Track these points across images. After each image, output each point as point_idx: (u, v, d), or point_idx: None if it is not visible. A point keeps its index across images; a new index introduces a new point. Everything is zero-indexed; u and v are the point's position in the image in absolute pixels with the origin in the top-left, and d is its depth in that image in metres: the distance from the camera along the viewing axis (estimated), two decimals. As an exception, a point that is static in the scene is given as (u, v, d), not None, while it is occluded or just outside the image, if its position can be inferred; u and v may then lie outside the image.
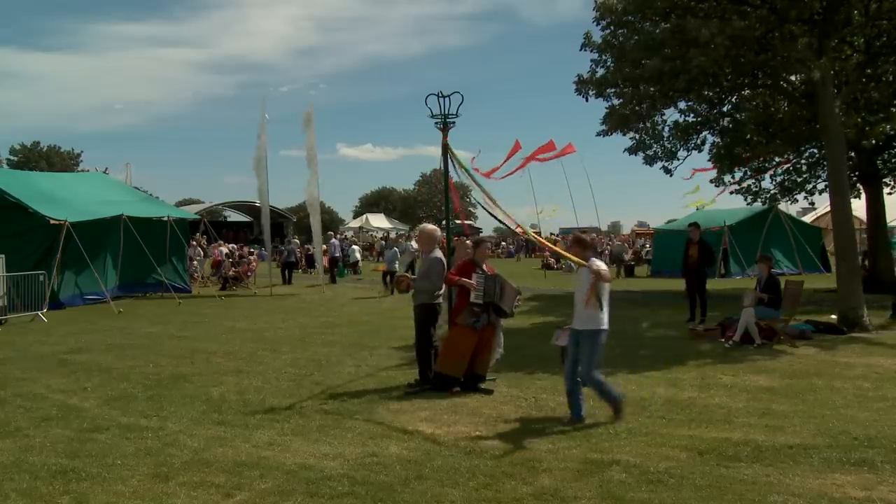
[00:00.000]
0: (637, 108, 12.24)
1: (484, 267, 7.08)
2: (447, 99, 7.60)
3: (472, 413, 6.22)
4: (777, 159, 16.38)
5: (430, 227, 7.69)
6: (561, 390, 7.01)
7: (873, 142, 15.33)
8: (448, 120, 7.63)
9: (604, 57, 12.92)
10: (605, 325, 5.85)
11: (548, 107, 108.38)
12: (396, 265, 19.84)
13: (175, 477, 4.63)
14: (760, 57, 10.86)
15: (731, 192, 17.33)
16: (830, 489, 4.29)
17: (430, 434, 5.57)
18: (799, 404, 6.34)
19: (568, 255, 6.15)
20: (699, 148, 14.40)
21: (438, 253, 7.36)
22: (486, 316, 6.89)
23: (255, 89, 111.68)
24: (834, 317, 11.05)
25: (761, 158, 15.74)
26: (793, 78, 10.08)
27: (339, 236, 27.91)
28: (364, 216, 39.50)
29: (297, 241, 27.79)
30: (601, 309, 5.79)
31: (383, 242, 27.34)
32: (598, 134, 13.57)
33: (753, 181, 17.09)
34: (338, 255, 24.61)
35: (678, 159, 14.03)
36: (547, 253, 27.69)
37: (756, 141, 14.44)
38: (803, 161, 16.73)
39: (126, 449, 5.24)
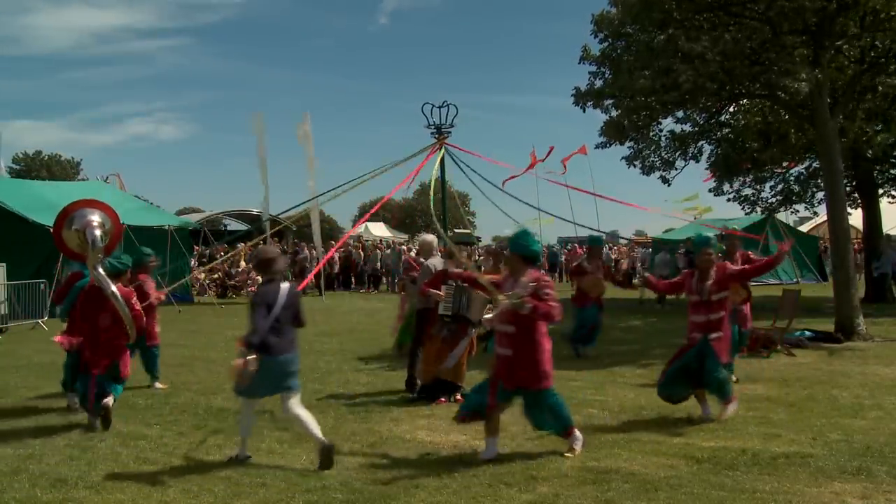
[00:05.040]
0: (634, 118, 12.30)
1: None
2: (444, 108, 7.70)
3: (470, 421, 6.23)
4: (780, 168, 16.44)
5: (430, 236, 7.90)
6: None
7: (870, 152, 15.41)
8: (444, 129, 7.73)
9: (601, 69, 12.99)
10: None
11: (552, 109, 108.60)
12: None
13: (174, 485, 4.65)
14: (755, 68, 10.94)
15: (729, 200, 17.39)
16: (829, 497, 4.31)
17: (429, 442, 5.58)
18: (796, 412, 6.36)
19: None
20: (696, 158, 14.45)
21: (433, 261, 7.42)
22: (453, 326, 6.91)
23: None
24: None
25: (760, 169, 15.80)
26: (793, 87, 10.11)
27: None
28: (364, 224, 39.46)
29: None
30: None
31: (388, 250, 26.33)
32: (598, 146, 13.63)
33: (753, 190, 17.16)
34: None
35: (675, 169, 14.11)
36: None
37: (754, 150, 14.52)
38: (806, 168, 16.78)
39: (125, 457, 5.26)
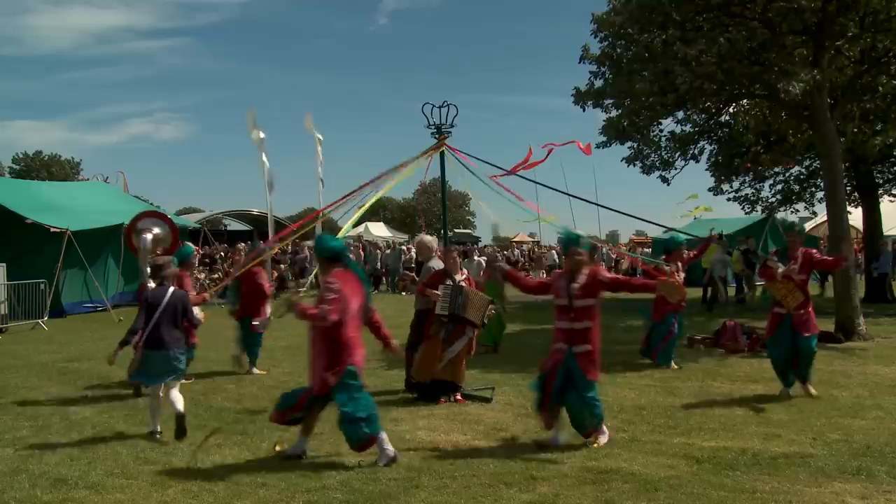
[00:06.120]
0: (635, 118, 12.31)
1: (457, 277, 7.06)
2: (444, 108, 7.69)
3: (470, 421, 6.23)
4: (777, 169, 16.46)
5: (428, 237, 7.87)
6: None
7: (869, 153, 15.39)
8: (444, 129, 7.71)
9: (602, 69, 12.99)
10: None
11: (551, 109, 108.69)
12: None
13: (174, 485, 4.64)
14: (755, 69, 10.93)
15: (729, 200, 17.40)
16: (829, 497, 4.31)
17: (429, 442, 5.58)
18: (796, 413, 6.35)
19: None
20: (696, 158, 14.46)
21: (434, 262, 7.40)
22: (451, 327, 6.90)
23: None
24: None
25: (759, 168, 15.81)
26: (789, 89, 10.12)
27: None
28: (364, 224, 39.47)
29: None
30: None
31: (388, 251, 26.05)
32: (599, 146, 13.63)
33: (752, 190, 17.17)
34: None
35: (675, 168, 14.11)
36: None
37: (754, 151, 14.52)
38: (803, 170, 16.80)
39: (125, 457, 5.26)
